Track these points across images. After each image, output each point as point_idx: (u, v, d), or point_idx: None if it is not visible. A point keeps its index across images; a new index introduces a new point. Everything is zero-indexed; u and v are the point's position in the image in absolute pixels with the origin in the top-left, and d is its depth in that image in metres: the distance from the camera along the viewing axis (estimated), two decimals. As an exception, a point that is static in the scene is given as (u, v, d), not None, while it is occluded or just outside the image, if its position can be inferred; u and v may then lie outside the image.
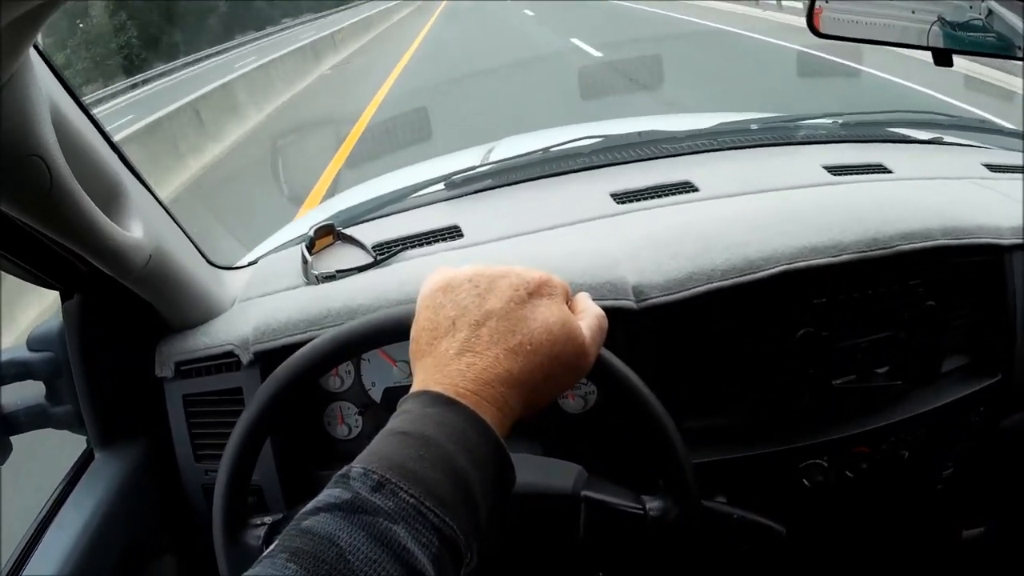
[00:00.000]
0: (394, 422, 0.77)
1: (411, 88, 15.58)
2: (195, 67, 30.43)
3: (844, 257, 1.60)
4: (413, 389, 0.81)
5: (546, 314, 0.86)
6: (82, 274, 1.39)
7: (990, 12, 1.50)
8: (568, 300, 0.94)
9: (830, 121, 2.56)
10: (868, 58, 9.77)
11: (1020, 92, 9.53)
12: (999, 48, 1.54)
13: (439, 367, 0.81)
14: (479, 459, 0.76)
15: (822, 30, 1.65)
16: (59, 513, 1.53)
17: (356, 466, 0.72)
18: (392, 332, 1.17)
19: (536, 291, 0.88)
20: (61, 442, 1.72)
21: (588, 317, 0.93)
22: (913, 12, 1.55)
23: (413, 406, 0.78)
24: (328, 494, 0.70)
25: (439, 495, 0.70)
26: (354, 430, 1.69)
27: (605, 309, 1.43)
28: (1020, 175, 2.09)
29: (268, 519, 1.32)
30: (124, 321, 1.61)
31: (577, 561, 1.36)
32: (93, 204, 1.17)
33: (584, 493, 1.27)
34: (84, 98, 1.28)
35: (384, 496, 0.69)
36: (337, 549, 0.65)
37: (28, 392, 1.63)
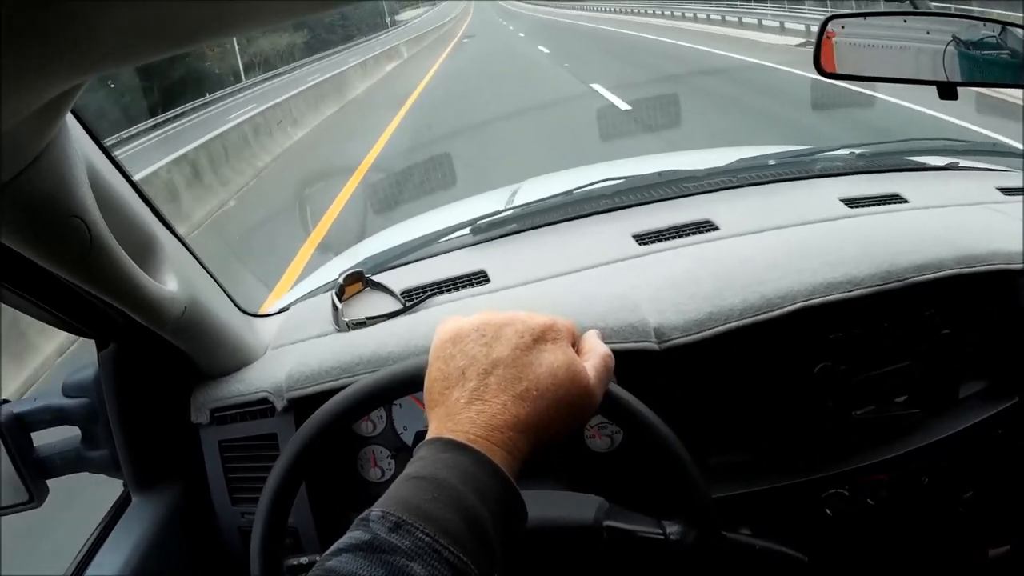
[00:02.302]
0: (410, 468, 0.81)
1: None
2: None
3: (859, 292, 1.62)
4: (428, 437, 0.85)
5: (551, 359, 0.90)
6: (118, 324, 1.42)
7: (1003, 30, 1.52)
8: (575, 341, 0.98)
9: (847, 152, 2.57)
10: (881, 87, 9.72)
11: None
12: (1009, 76, 1.56)
13: (451, 415, 0.85)
14: (490, 499, 0.79)
15: (834, 65, 1.67)
16: (97, 556, 1.55)
17: (375, 510, 0.76)
18: (410, 383, 1.20)
19: (541, 336, 0.92)
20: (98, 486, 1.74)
21: (594, 357, 0.96)
22: (928, 32, 1.56)
23: (427, 452, 0.82)
24: (350, 536, 0.75)
25: (453, 534, 0.74)
26: (387, 473, 1.70)
27: (627, 352, 1.47)
28: None
29: (304, 559, 1.35)
30: (159, 369, 1.64)
31: None
32: (130, 260, 1.19)
33: (606, 523, 1.28)
34: (106, 140, 1.30)
35: (401, 536, 0.73)
36: None
37: (64, 437, 1.65)
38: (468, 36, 50.75)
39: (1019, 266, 1.73)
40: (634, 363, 1.56)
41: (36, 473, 1.56)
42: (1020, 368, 1.76)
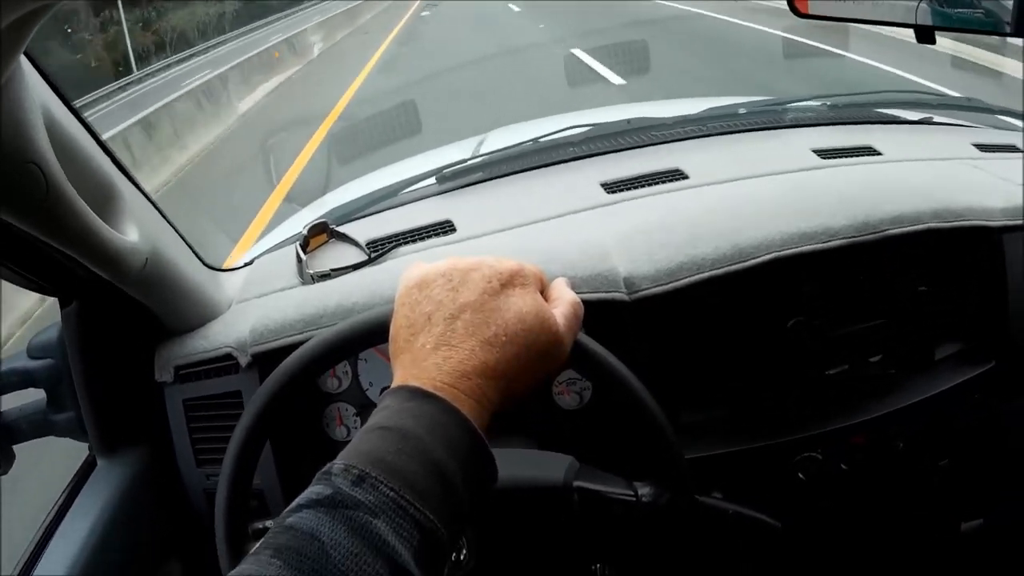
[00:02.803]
0: (374, 418, 0.79)
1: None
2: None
3: (834, 243, 1.60)
4: (393, 385, 0.82)
5: (519, 304, 0.87)
6: (80, 280, 1.39)
7: (979, -12, 1.50)
8: (544, 288, 0.95)
9: (819, 103, 2.55)
10: (852, 44, 9.73)
11: (1007, 72, 9.55)
12: (986, 24, 1.54)
13: (416, 362, 0.83)
14: (458, 451, 0.77)
15: (807, 10, 1.65)
16: (63, 521, 1.53)
17: (337, 462, 0.73)
18: (374, 333, 1.17)
19: (509, 281, 0.89)
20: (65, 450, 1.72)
21: (562, 305, 0.94)
22: (901, -13, 1.55)
23: (392, 401, 0.79)
24: (311, 491, 0.72)
25: (419, 488, 0.72)
26: (353, 431, 1.69)
27: (597, 302, 1.44)
28: (1011, 154, 2.10)
29: (270, 522, 1.33)
30: (123, 326, 1.61)
31: (572, 552, 1.37)
32: (89, 209, 1.18)
33: (576, 483, 1.27)
34: (75, 102, 1.27)
35: (364, 490, 0.70)
36: (319, 544, 0.66)
37: (29, 400, 1.63)
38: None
39: (996, 223, 1.72)
40: (603, 314, 1.54)
41: (1, 438, 1.55)
42: (996, 332, 1.75)
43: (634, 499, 1.25)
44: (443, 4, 33.72)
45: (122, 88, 23.64)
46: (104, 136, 1.34)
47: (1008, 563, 2.00)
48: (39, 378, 1.61)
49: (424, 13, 32.62)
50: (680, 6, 21.72)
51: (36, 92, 1.05)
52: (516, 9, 27.25)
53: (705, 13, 19.53)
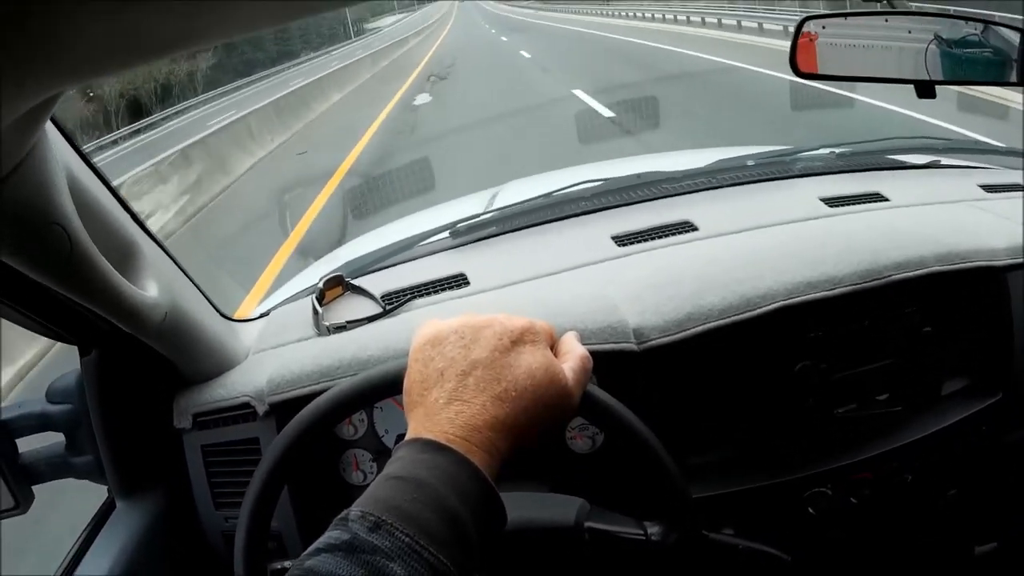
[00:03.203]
0: (389, 468, 0.82)
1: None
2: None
3: (839, 290, 1.62)
4: (407, 438, 0.86)
5: (529, 360, 0.91)
6: (100, 330, 1.42)
7: (986, 29, 1.53)
8: (553, 343, 0.99)
9: (827, 152, 2.57)
10: (860, 88, 9.72)
11: (1015, 107, 9.54)
12: (992, 74, 1.57)
13: (430, 416, 0.86)
14: (469, 499, 0.79)
15: (811, 65, 1.68)
16: (82, 562, 1.55)
17: (354, 509, 0.76)
18: (389, 386, 1.19)
19: (519, 338, 0.93)
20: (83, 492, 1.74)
21: (572, 359, 0.97)
22: (910, 32, 1.57)
23: (406, 453, 0.83)
24: (329, 535, 0.75)
25: (432, 534, 0.74)
26: (369, 476, 1.70)
27: (607, 353, 1.47)
28: (1016, 194, 2.11)
29: (288, 563, 1.35)
30: (142, 374, 1.64)
31: None
32: (110, 266, 1.20)
33: (587, 524, 1.28)
34: (86, 146, 1.29)
35: (381, 536, 0.73)
36: None
37: (49, 443, 1.65)
38: (443, 65, 31.52)
39: (1000, 263, 1.74)
40: (614, 364, 1.56)
41: (21, 479, 1.56)
42: (1002, 365, 1.76)
43: (644, 538, 1.27)
44: (449, 82, 26.88)
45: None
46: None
47: None
48: (58, 422, 1.63)
49: (418, 100, 22.62)
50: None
51: (60, 154, 1.07)
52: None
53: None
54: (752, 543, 1.41)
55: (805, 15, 1.67)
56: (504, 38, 41.25)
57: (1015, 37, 1.53)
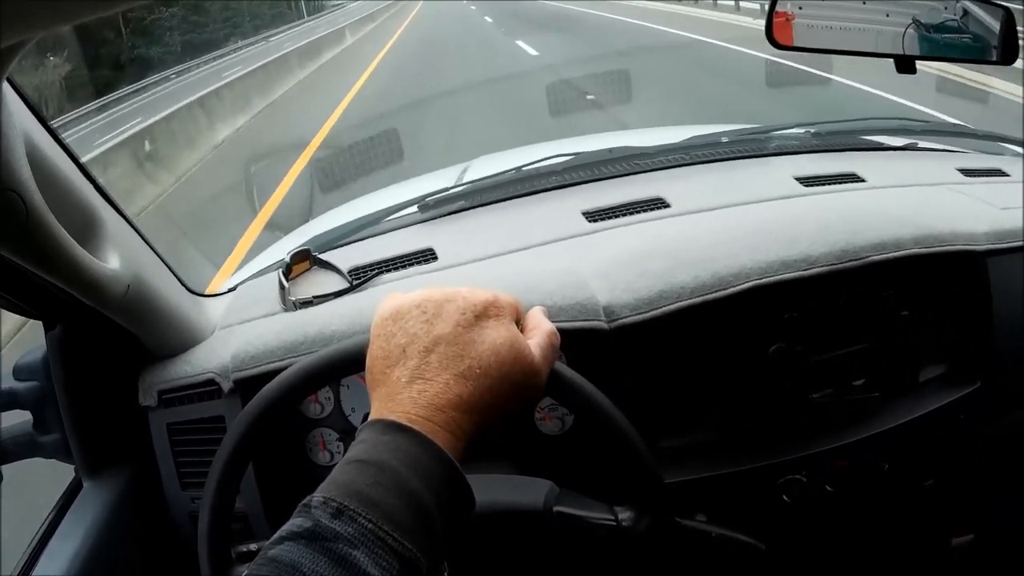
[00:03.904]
0: (352, 451, 0.80)
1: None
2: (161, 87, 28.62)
3: (814, 270, 1.60)
4: (369, 418, 0.83)
5: (494, 336, 0.88)
6: (63, 304, 1.39)
7: (965, 13, 1.51)
8: (519, 318, 0.96)
9: (802, 131, 2.55)
10: (836, 68, 9.73)
11: (996, 92, 9.57)
12: (972, 52, 1.55)
13: (392, 396, 0.84)
14: (434, 482, 0.77)
15: (788, 38, 1.66)
16: (50, 542, 1.54)
17: (317, 495, 0.74)
18: (351, 363, 1.18)
19: (483, 313, 0.90)
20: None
21: (539, 335, 0.95)
22: (887, 15, 1.56)
23: (368, 435, 0.80)
24: (292, 523, 0.73)
25: (396, 520, 0.73)
26: (336, 456, 1.69)
27: (576, 331, 1.45)
28: (996, 178, 2.11)
29: (254, 546, 1.33)
30: (107, 350, 1.62)
31: None
32: (69, 236, 1.18)
33: (556, 508, 1.27)
34: (53, 122, 1.27)
35: (343, 523, 0.71)
36: None
37: (16, 422, 1.64)
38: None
39: (980, 247, 1.73)
40: (584, 342, 1.54)
41: (-12, 459, 1.55)
42: (981, 352, 1.75)
43: (614, 523, 1.25)
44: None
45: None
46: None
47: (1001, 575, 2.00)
48: (25, 400, 1.61)
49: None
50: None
51: (18, 118, 1.05)
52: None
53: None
54: (725, 530, 1.40)
55: (786, -11, 1.65)
56: (473, 7, 42.62)
57: (994, 22, 1.51)
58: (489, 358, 0.86)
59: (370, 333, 0.93)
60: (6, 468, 1.57)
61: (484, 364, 0.86)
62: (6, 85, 0.96)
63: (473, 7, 42.00)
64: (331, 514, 0.72)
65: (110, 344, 1.61)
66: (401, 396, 0.83)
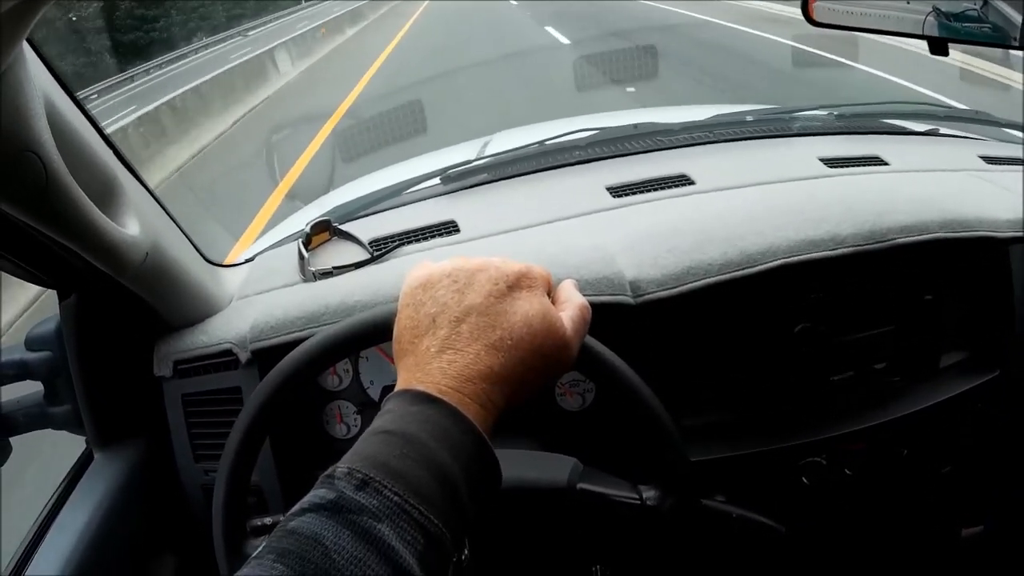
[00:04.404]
0: (378, 421, 0.78)
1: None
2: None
3: (841, 250, 1.59)
4: (396, 388, 0.81)
5: (526, 307, 0.86)
6: (79, 272, 1.38)
7: (986, 2, 1.50)
8: (550, 290, 0.94)
9: (825, 113, 2.56)
10: (861, 56, 9.72)
11: (1017, 85, 9.55)
12: (995, 37, 1.54)
13: (421, 365, 0.82)
14: (462, 455, 0.76)
15: (819, 18, 1.65)
16: (60, 514, 1.53)
17: (340, 466, 0.73)
18: (377, 332, 1.16)
19: (516, 283, 0.88)
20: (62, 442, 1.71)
21: (570, 308, 0.93)
22: (908, 2, 1.55)
23: (396, 405, 0.78)
24: (314, 494, 0.71)
25: (423, 493, 0.71)
26: (352, 429, 1.69)
27: (602, 305, 1.43)
28: (1018, 167, 2.09)
29: (268, 520, 1.32)
30: (122, 320, 1.60)
31: (574, 554, 1.36)
32: (88, 200, 1.16)
33: (580, 486, 1.26)
34: (79, 93, 1.26)
35: (368, 495, 0.69)
36: (323, 548, 0.66)
37: (27, 392, 1.63)
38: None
39: (1004, 234, 1.72)
40: (608, 317, 1.52)
41: (-2, 430, 1.54)
42: (1001, 341, 1.75)
43: (638, 502, 1.25)
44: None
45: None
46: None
47: (1008, 569, 1.99)
48: (37, 370, 1.60)
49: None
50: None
51: (38, 81, 1.03)
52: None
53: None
54: (747, 512, 1.39)
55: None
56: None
57: (1015, 13, 1.50)
58: (521, 329, 0.84)
59: (398, 302, 0.91)
60: (16, 439, 1.57)
61: (516, 335, 0.84)
62: (26, 45, 0.94)
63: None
64: (355, 486, 0.70)
65: (125, 314, 1.59)
66: (430, 366, 0.81)
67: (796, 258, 1.57)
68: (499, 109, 11.43)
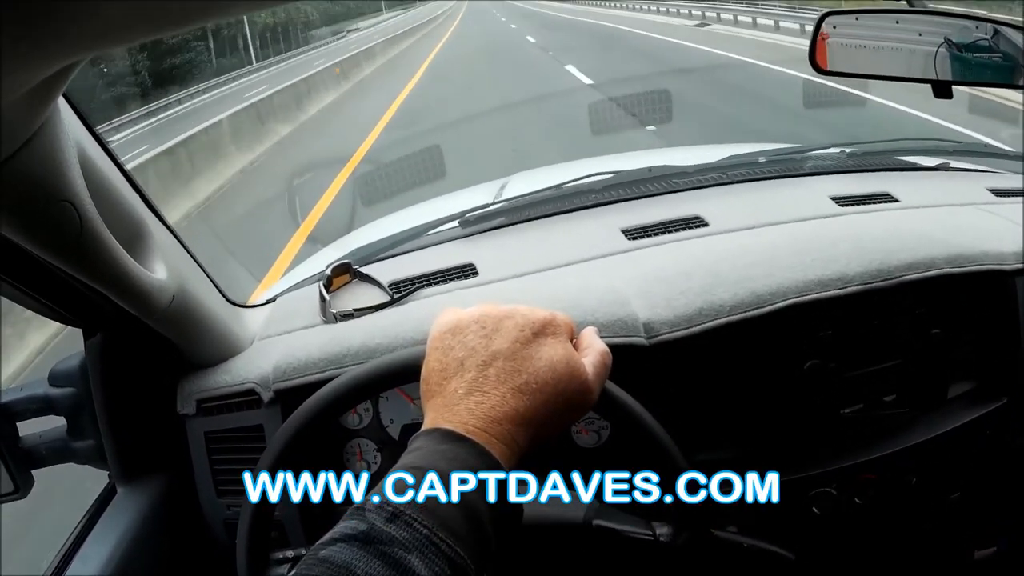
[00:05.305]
0: (406, 458, 0.81)
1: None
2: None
3: (849, 289, 1.62)
4: (424, 427, 0.84)
5: (550, 353, 0.90)
6: (106, 313, 1.41)
7: (996, 32, 1.52)
8: (573, 337, 0.98)
9: (837, 151, 2.57)
10: (872, 87, 9.73)
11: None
12: (1002, 76, 1.56)
13: (449, 406, 0.85)
14: (488, 493, 0.78)
15: (827, 65, 1.67)
16: (83, 546, 1.55)
17: (371, 499, 0.75)
18: (405, 373, 1.19)
19: (541, 330, 0.92)
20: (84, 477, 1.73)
21: (592, 354, 0.96)
22: (920, 34, 1.56)
23: (424, 443, 0.81)
24: (345, 525, 0.74)
25: (451, 526, 0.74)
26: (373, 466, 1.70)
27: (617, 346, 1.46)
28: (1018, 199, 2.11)
29: (290, 553, 1.34)
30: (146, 358, 1.63)
31: None
32: (120, 247, 1.18)
33: (596, 522, 1.28)
34: (99, 127, 1.29)
35: (398, 527, 0.72)
36: None
37: (49, 427, 1.65)
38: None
39: (1010, 267, 1.74)
40: (623, 357, 1.54)
41: (21, 463, 1.56)
42: (1009, 369, 1.76)
43: (652, 538, 1.27)
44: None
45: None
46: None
47: None
48: (60, 406, 1.63)
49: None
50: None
51: (71, 131, 1.05)
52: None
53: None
54: (757, 541, 1.41)
55: (826, 11, 1.66)
56: (514, 25, 41.71)
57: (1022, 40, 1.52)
58: (546, 374, 0.87)
59: (427, 345, 0.94)
60: (40, 472, 1.60)
61: (541, 380, 0.87)
62: (60, 98, 0.97)
63: (514, 26, 38.20)
64: (386, 518, 0.73)
65: (149, 352, 1.62)
66: (458, 407, 0.84)
67: (805, 298, 1.60)
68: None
